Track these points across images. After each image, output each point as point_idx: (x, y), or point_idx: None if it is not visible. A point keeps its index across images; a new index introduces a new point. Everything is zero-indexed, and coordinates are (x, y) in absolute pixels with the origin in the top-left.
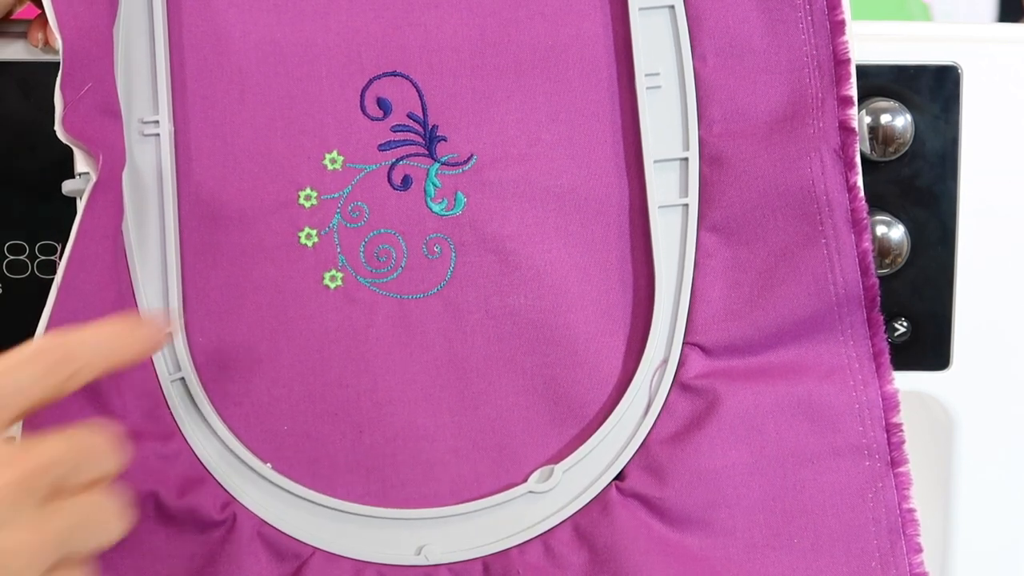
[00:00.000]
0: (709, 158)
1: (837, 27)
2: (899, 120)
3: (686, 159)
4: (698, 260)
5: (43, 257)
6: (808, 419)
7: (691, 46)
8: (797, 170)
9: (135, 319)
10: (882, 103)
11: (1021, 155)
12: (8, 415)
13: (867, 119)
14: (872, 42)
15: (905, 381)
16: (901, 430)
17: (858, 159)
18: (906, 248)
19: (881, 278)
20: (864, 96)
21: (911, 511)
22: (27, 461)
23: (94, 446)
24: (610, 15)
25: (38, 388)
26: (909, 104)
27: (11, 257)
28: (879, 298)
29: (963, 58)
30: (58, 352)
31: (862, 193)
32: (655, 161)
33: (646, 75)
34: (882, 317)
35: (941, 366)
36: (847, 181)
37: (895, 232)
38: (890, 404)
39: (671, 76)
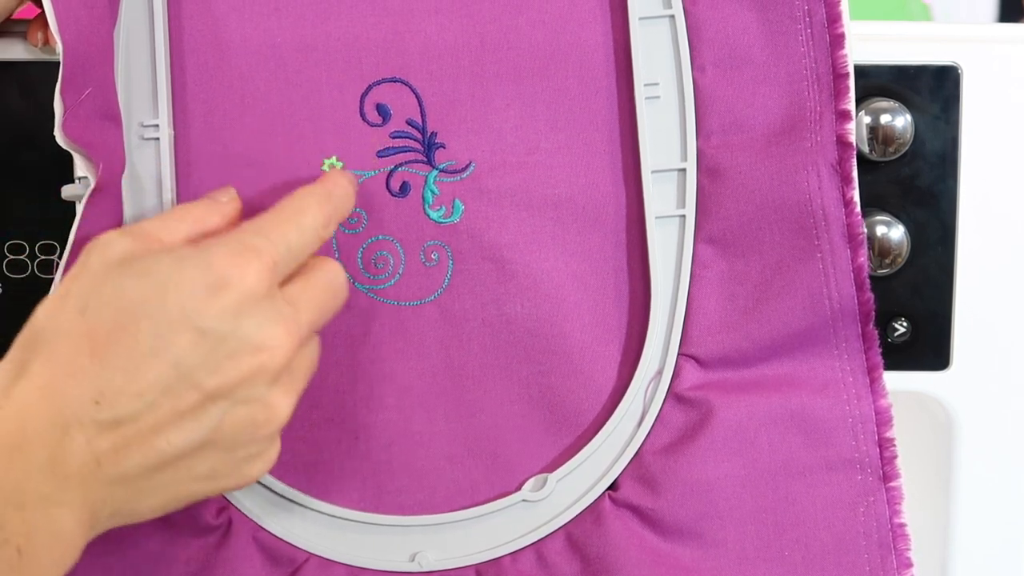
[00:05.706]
0: (707, 169)
1: (837, 40)
2: (899, 120)
3: (684, 170)
4: (694, 271)
5: (43, 257)
6: (801, 432)
7: (691, 56)
8: (794, 183)
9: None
10: (882, 103)
11: (1021, 155)
12: (296, 264)
13: (867, 119)
14: (872, 42)
15: (905, 381)
16: (894, 445)
17: (855, 174)
18: (906, 248)
19: (881, 278)
20: (864, 96)
21: (902, 526)
22: (265, 255)
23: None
24: (610, 24)
25: (323, 233)
26: (909, 104)
27: (11, 257)
28: (873, 313)
29: (963, 58)
30: (325, 195)
31: (858, 208)
32: (653, 171)
33: (645, 85)
34: (876, 332)
35: (941, 366)
36: (844, 196)
37: (895, 232)
38: (883, 418)
39: (670, 86)
